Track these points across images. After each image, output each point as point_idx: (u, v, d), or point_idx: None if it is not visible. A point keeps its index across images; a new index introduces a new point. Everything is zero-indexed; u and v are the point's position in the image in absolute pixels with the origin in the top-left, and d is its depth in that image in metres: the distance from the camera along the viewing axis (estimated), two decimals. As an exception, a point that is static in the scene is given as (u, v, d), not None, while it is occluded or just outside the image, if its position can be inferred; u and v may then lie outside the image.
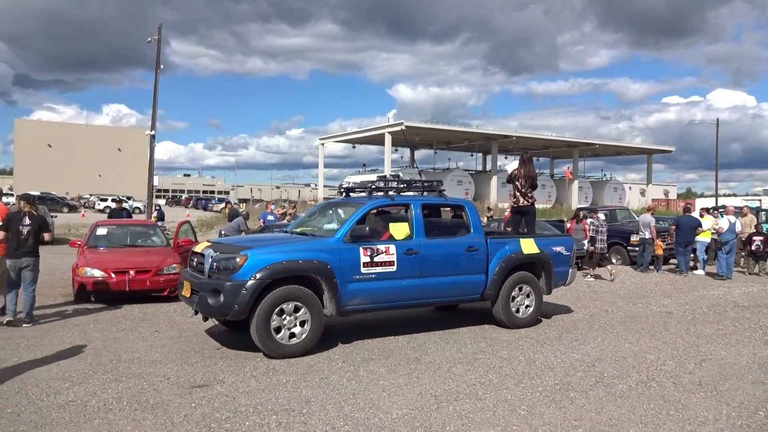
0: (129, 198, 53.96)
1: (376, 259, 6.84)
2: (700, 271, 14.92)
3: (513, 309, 7.90)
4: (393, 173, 8.42)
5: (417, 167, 9.41)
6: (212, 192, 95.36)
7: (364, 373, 5.78)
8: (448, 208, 8.49)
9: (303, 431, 4.29)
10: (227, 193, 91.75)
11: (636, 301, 10.37)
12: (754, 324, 8.48)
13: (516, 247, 7.96)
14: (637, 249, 15.88)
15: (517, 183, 9.43)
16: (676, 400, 5.05)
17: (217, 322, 7.62)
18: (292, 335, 6.35)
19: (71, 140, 74.19)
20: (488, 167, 45.43)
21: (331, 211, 7.93)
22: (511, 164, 11.03)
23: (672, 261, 17.00)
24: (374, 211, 7.44)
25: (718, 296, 11.14)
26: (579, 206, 24.38)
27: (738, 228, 15.07)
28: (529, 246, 8.08)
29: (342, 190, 8.16)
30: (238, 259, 6.21)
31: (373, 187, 7.65)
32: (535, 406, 4.86)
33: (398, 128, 35.24)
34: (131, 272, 9.44)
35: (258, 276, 6.15)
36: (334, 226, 7.22)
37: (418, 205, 7.40)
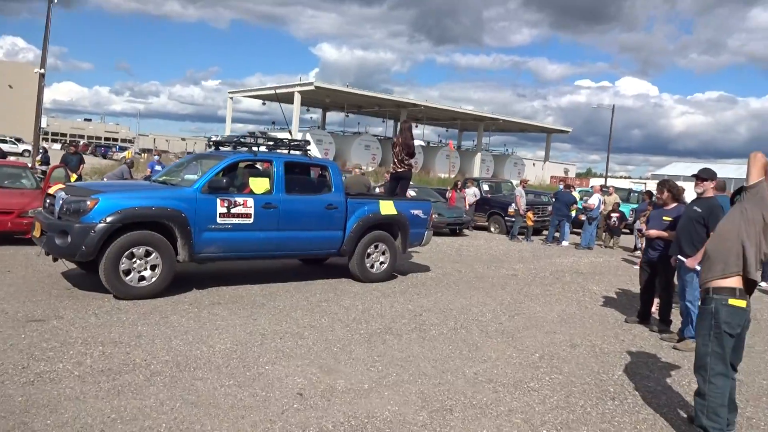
0: (19, 140, 50.58)
1: (233, 210, 7.17)
2: (565, 243, 16.37)
3: (368, 265, 8.52)
4: (261, 130, 8.63)
5: (289, 128, 9.52)
6: (115, 140, 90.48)
7: (206, 314, 6.17)
8: (317, 168, 8.92)
9: (124, 360, 4.64)
10: (131, 141, 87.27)
11: (492, 265, 11.36)
12: (581, 288, 9.62)
13: (374, 208, 8.55)
14: (513, 219, 17.16)
15: (395, 150, 10.00)
16: (473, 343, 5.84)
17: (75, 265, 7.70)
18: (142, 278, 6.61)
19: (-46, 72, 67.53)
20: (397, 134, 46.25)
21: (196, 163, 8.14)
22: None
23: (545, 232, 18.48)
24: (238, 164, 7.74)
25: (566, 264, 12.39)
26: (468, 177, 25.56)
27: (601, 206, 16.75)
28: (387, 207, 8.69)
29: (211, 143, 8.37)
30: (88, 202, 6.35)
31: (239, 141, 7.92)
32: (349, 345, 5.47)
33: (309, 88, 35.08)
34: (-9, 213, 9.21)
35: (108, 220, 6.33)
36: (194, 176, 7.46)
37: (281, 162, 7.76)
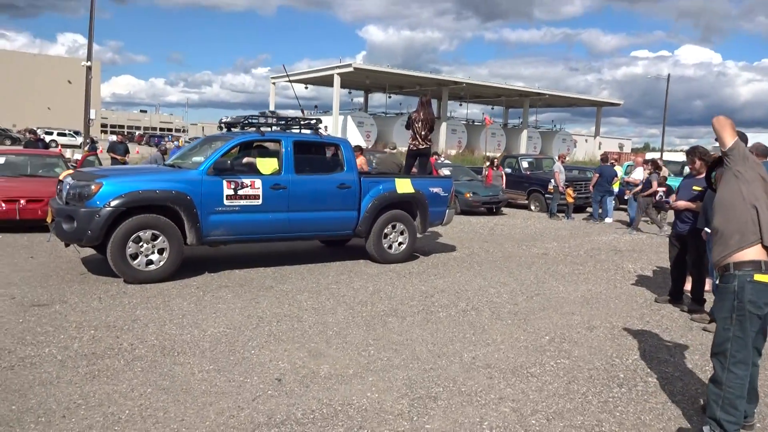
0: (77, 132, 52.77)
1: (240, 192, 7.06)
2: (608, 219, 15.66)
3: (385, 245, 8.28)
4: (271, 110, 8.42)
5: (302, 109, 9.10)
6: (169, 129, 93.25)
7: (209, 298, 6.08)
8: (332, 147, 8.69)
9: (111, 345, 4.59)
10: (185, 131, 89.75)
11: (523, 244, 10.90)
12: (616, 266, 9.07)
13: (390, 186, 8.27)
14: (552, 196, 16.51)
15: (416, 125, 9.66)
16: (481, 325, 5.52)
17: (94, 251, 7.79)
18: (150, 262, 6.59)
19: (19, 70, 70.86)
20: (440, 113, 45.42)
21: (207, 145, 8.06)
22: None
23: (589, 209, 17.72)
24: (246, 145, 7.65)
25: (604, 241, 11.78)
26: (507, 155, 24.82)
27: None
28: (404, 186, 8.40)
29: (222, 125, 8.27)
30: (92, 187, 6.36)
31: (246, 122, 7.78)
32: (347, 328, 5.26)
33: (348, 69, 34.85)
34: (22, 201, 9.50)
35: (113, 204, 6.32)
36: (201, 159, 7.37)
37: (289, 141, 7.58)
